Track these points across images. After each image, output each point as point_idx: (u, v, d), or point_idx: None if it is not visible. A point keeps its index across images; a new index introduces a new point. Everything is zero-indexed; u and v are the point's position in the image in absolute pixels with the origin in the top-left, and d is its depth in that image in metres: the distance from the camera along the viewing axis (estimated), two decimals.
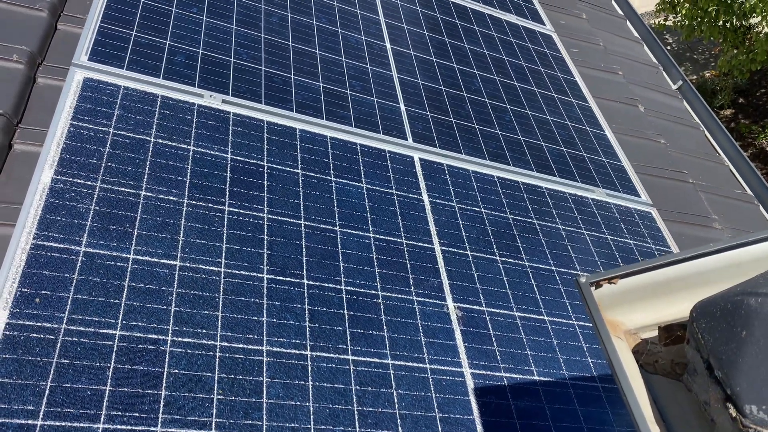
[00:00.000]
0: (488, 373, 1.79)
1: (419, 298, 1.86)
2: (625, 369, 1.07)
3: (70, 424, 1.27)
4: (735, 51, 8.18)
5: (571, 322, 2.06)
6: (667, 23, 9.07)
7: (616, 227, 2.55)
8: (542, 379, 1.85)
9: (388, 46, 2.86)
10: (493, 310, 1.95)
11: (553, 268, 2.21)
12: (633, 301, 1.17)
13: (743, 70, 8.31)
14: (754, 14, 7.26)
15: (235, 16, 2.47)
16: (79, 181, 1.64)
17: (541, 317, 2.03)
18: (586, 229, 2.46)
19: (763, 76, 10.34)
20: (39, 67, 2.10)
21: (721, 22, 7.69)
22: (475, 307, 1.93)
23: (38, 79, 2.07)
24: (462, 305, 1.92)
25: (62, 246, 1.50)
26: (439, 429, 1.61)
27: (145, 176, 1.75)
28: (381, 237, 1.98)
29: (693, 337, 1.02)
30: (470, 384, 1.74)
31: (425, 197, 2.22)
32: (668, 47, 11.62)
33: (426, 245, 2.04)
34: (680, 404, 1.11)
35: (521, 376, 1.83)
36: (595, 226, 2.50)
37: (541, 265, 2.21)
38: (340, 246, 1.89)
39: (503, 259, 2.15)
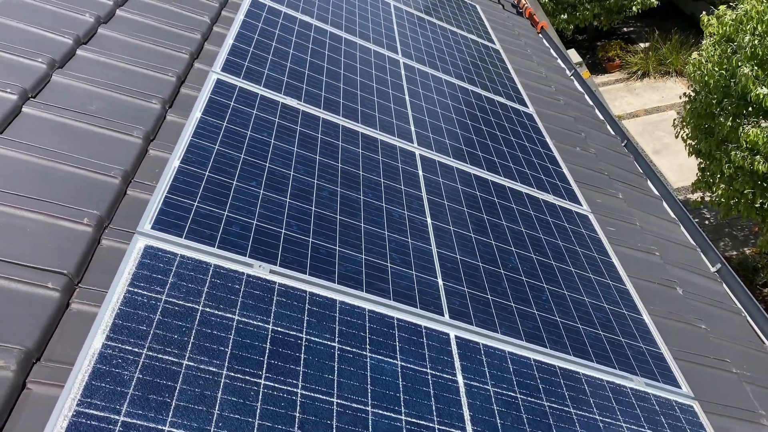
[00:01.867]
0: None
1: None
2: None
3: None
4: None
5: None
6: (705, 200, 9.23)
7: (656, 421, 2.46)
8: None
9: (429, 221, 3.00)
10: None
11: None
12: None
13: None
14: None
15: (290, 190, 2.66)
16: (127, 347, 1.71)
17: None
18: (625, 421, 2.38)
19: None
20: (105, 229, 2.26)
21: (758, 204, 7.80)
22: None
23: (102, 241, 2.22)
24: None
25: (102, 414, 1.53)
26: None
27: (190, 345, 1.81)
28: (413, 420, 1.96)
29: None
30: None
31: (460, 378, 2.21)
32: (706, 221, 11.72)
33: None
34: None
35: None
36: (633, 418, 2.42)
37: None
38: (370, 428, 1.87)
39: None
